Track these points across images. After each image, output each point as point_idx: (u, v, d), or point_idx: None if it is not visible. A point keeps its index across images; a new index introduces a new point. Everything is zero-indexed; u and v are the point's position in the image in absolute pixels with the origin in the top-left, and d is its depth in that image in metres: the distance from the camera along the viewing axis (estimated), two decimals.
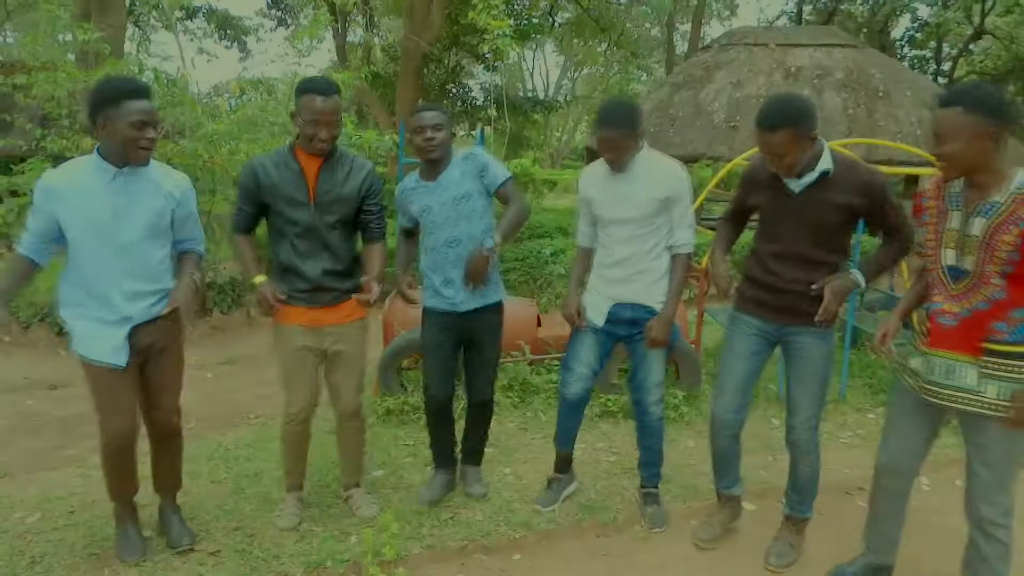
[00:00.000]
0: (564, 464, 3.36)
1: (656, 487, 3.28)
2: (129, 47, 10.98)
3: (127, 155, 2.44)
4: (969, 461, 2.32)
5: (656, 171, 2.89)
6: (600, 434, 4.14)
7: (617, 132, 2.78)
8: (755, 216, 2.83)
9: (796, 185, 2.57)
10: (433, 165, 3.02)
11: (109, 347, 2.51)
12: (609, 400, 4.37)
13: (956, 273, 2.21)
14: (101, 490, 3.24)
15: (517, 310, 4.51)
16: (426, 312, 3.15)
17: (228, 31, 21.23)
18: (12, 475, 3.56)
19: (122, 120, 2.37)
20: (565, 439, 3.30)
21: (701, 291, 5.20)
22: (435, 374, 3.14)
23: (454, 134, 3.03)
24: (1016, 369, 2.15)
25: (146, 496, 3.15)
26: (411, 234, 3.24)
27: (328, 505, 3.20)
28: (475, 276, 2.93)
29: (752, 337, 2.80)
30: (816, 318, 2.58)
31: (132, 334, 2.56)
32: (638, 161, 2.90)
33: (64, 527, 2.97)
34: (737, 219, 2.96)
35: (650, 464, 3.24)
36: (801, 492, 2.90)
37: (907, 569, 2.77)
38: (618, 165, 2.88)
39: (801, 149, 2.45)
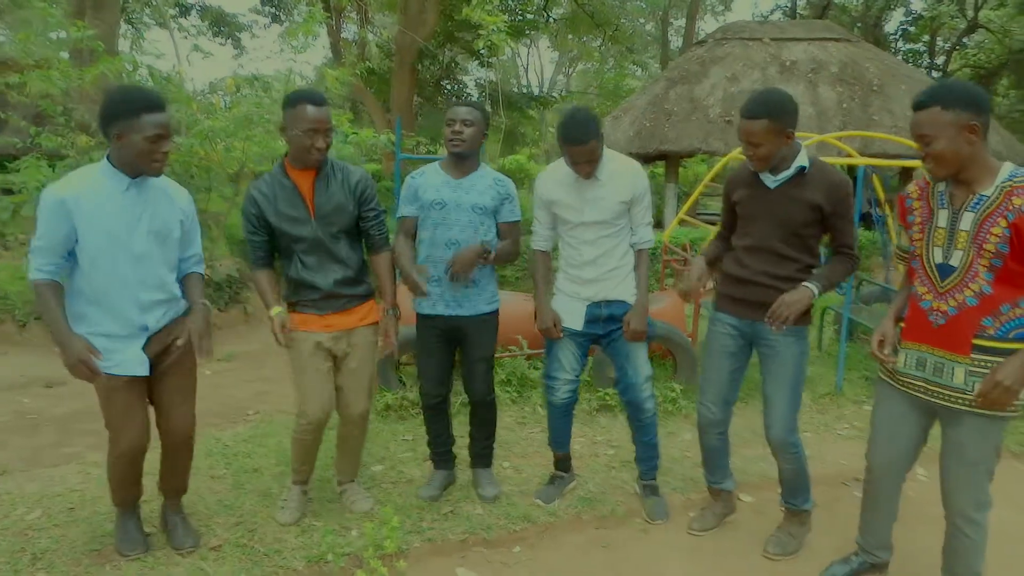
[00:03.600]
0: (564, 464, 3.39)
1: (655, 479, 3.30)
2: (123, 45, 10.95)
3: (142, 167, 2.44)
4: (944, 456, 2.34)
5: (621, 174, 2.93)
6: (599, 428, 4.15)
7: (589, 145, 2.78)
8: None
9: (772, 181, 2.65)
10: (458, 161, 3.01)
11: (130, 359, 2.52)
12: (607, 394, 4.39)
13: (944, 270, 2.23)
14: (101, 487, 3.26)
15: (514, 305, 4.52)
16: (419, 316, 3.13)
17: (222, 28, 21.17)
18: (11, 473, 3.56)
19: (139, 134, 2.36)
20: (560, 442, 3.32)
21: None
22: (429, 374, 3.16)
23: (486, 133, 3.02)
24: None
25: (148, 492, 3.17)
26: (409, 227, 3.15)
27: (328, 500, 3.21)
28: (461, 265, 2.90)
29: (729, 337, 2.84)
30: (765, 319, 2.61)
31: (146, 343, 2.57)
32: (602, 163, 2.91)
33: (65, 523, 2.97)
34: (725, 233, 2.95)
35: (648, 458, 3.26)
36: (790, 488, 2.91)
37: (904, 559, 2.80)
38: (591, 175, 2.89)
39: (776, 142, 2.54)
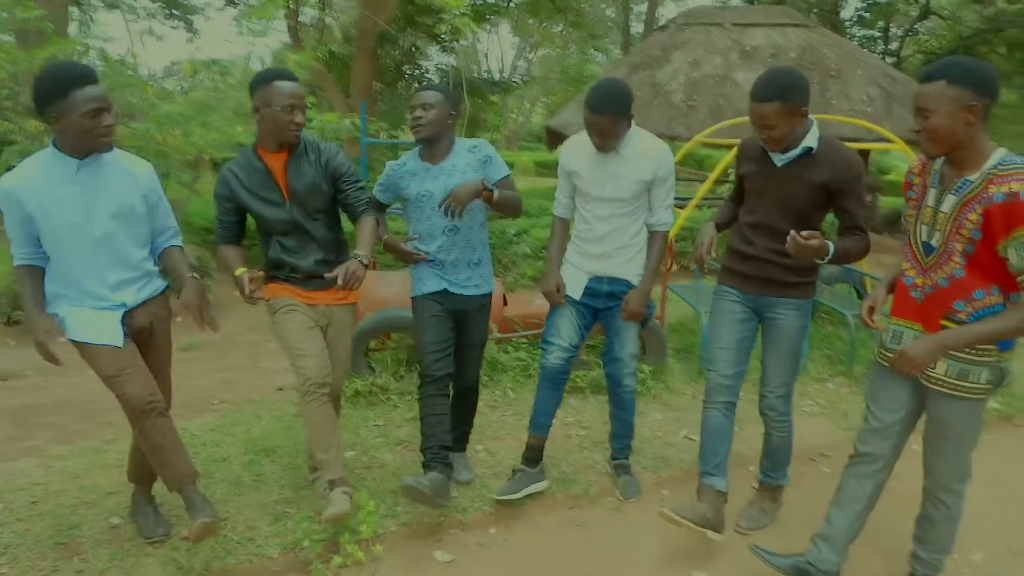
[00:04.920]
0: (534, 455, 3.19)
1: (627, 458, 3.33)
2: (72, 28, 10.57)
3: (87, 146, 2.35)
4: (928, 431, 2.39)
5: (645, 153, 2.87)
6: (569, 409, 4.18)
7: (609, 117, 2.74)
8: None
9: (780, 159, 2.61)
10: (430, 146, 2.95)
11: (105, 328, 2.45)
12: (577, 376, 4.41)
13: (927, 248, 2.24)
14: (64, 480, 3.20)
15: None
16: (418, 297, 3.03)
17: (174, 11, 20.57)
18: None
19: (75, 112, 2.26)
20: (540, 422, 3.16)
21: (665, 268, 5.27)
22: (432, 349, 2.91)
23: (453, 114, 2.93)
24: (967, 350, 2.17)
25: (116, 483, 3.11)
26: (381, 211, 3.14)
27: (301, 487, 3.17)
28: (459, 198, 2.74)
29: (736, 305, 2.83)
30: (787, 243, 2.46)
31: (126, 317, 2.52)
32: (627, 141, 2.86)
33: (28, 517, 2.89)
34: (737, 198, 2.91)
35: (622, 436, 3.29)
36: (773, 459, 2.98)
37: (869, 533, 2.86)
38: (608, 148, 2.85)
39: (790, 123, 2.48)
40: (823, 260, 2.53)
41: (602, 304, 3.05)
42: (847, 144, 2.63)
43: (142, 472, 2.81)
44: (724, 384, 2.83)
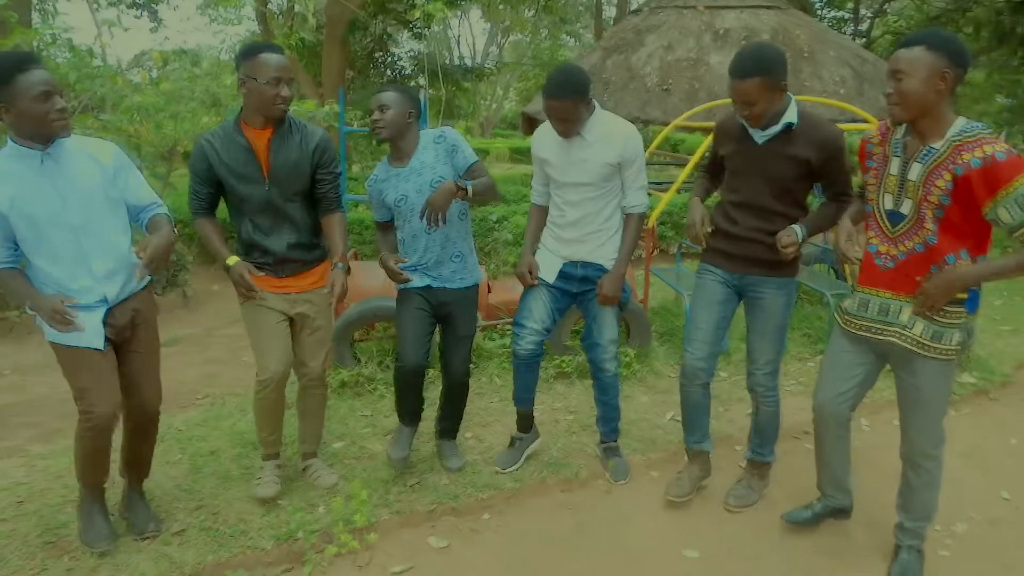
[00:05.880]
0: (526, 423, 3.36)
1: (615, 441, 3.36)
2: (35, 18, 10.29)
3: (43, 131, 2.28)
4: (901, 399, 2.45)
5: (610, 136, 2.87)
6: (556, 395, 4.20)
7: (565, 102, 2.74)
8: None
9: (760, 137, 2.63)
10: (396, 148, 2.94)
11: (89, 331, 2.41)
12: (563, 361, 4.43)
13: (894, 217, 2.31)
14: (48, 479, 3.16)
15: None
16: (403, 290, 3.05)
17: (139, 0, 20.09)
18: None
19: (23, 98, 2.20)
20: (523, 398, 3.28)
21: (648, 252, 5.30)
22: (410, 342, 2.96)
23: (412, 112, 2.90)
24: (942, 312, 2.27)
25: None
26: (388, 227, 3.13)
27: (292, 478, 3.16)
28: (437, 206, 2.76)
29: (718, 286, 2.86)
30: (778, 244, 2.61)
31: (108, 315, 2.48)
32: (592, 125, 2.87)
33: (14, 518, 2.85)
34: (713, 171, 2.96)
35: (608, 420, 3.31)
36: (762, 435, 3.02)
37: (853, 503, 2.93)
38: (568, 134, 2.85)
39: (770, 99, 2.50)
40: (800, 240, 2.61)
41: (577, 288, 3.07)
42: None
43: (131, 465, 2.79)
44: (700, 367, 2.91)
